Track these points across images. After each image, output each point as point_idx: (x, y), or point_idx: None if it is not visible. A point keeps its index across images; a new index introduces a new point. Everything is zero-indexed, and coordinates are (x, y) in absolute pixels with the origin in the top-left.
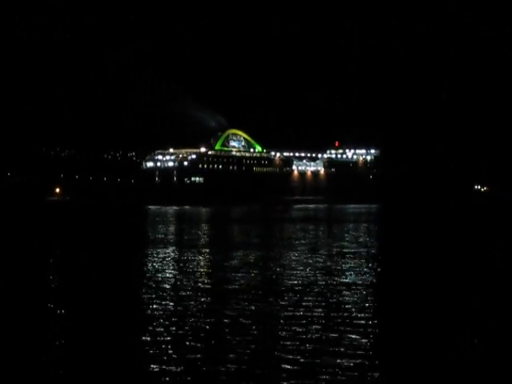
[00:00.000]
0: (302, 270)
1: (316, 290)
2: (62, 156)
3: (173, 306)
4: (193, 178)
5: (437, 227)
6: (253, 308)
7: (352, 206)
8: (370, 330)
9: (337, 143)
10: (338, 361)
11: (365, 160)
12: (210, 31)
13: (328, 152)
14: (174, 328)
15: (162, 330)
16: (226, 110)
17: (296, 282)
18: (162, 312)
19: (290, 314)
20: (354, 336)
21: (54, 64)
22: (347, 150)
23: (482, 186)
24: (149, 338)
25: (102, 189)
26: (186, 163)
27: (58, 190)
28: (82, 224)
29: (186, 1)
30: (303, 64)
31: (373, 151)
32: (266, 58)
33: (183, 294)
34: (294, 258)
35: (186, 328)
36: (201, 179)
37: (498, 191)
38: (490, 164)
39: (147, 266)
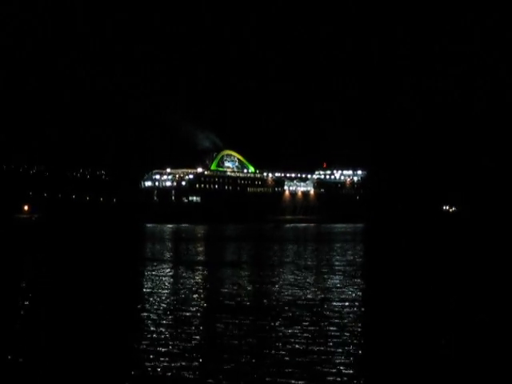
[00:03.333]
0: (291, 286)
1: (305, 304)
2: (30, 173)
3: (167, 321)
4: (190, 198)
5: (416, 243)
6: (244, 322)
7: (339, 225)
8: (356, 344)
9: (325, 164)
10: (326, 372)
11: (352, 181)
12: (203, 50)
13: (317, 173)
14: (167, 345)
15: (154, 347)
16: (219, 130)
17: (286, 298)
18: (154, 327)
19: (280, 327)
20: (340, 350)
21: (24, 73)
22: (335, 171)
23: (451, 207)
24: (140, 354)
25: (72, 206)
26: (183, 183)
27: (26, 207)
28: (75, 242)
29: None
30: (291, 86)
31: (359, 172)
32: (254, 82)
33: (177, 309)
34: (284, 275)
35: (180, 342)
36: (198, 198)
37: (466, 212)
38: (459, 185)
39: (142, 281)
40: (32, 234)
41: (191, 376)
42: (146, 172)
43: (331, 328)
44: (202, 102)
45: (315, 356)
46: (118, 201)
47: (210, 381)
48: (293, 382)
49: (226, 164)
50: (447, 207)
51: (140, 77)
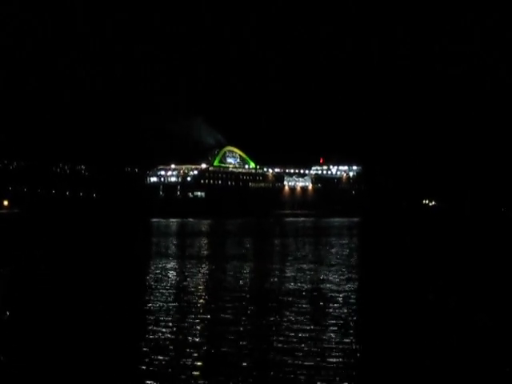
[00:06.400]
0: (291, 278)
1: (304, 295)
2: (10, 168)
3: (173, 311)
4: (195, 193)
5: (407, 237)
6: (247, 312)
7: (337, 219)
8: (353, 336)
9: (321, 160)
10: (318, 359)
11: (348, 176)
12: (204, 49)
13: (314, 168)
14: (173, 333)
15: (160, 334)
16: (220, 126)
17: (286, 290)
18: (161, 316)
19: (281, 316)
20: (337, 339)
21: (24, 73)
22: (331, 167)
23: (430, 201)
24: (147, 343)
25: (53, 201)
26: (188, 178)
27: (6, 202)
28: (78, 238)
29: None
30: (288, 82)
31: (355, 167)
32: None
33: (182, 300)
34: (284, 267)
35: (186, 332)
36: (202, 194)
37: (446, 206)
38: (439, 179)
39: (147, 274)
40: (23, 230)
41: (197, 363)
42: (150, 168)
43: (329, 320)
44: (203, 100)
45: (313, 344)
46: (100, 196)
47: (216, 366)
48: (297, 363)
49: (228, 160)
50: (427, 201)
51: (140, 77)
